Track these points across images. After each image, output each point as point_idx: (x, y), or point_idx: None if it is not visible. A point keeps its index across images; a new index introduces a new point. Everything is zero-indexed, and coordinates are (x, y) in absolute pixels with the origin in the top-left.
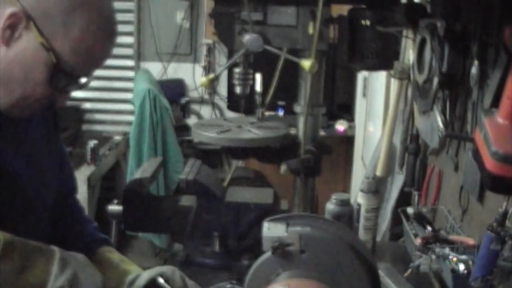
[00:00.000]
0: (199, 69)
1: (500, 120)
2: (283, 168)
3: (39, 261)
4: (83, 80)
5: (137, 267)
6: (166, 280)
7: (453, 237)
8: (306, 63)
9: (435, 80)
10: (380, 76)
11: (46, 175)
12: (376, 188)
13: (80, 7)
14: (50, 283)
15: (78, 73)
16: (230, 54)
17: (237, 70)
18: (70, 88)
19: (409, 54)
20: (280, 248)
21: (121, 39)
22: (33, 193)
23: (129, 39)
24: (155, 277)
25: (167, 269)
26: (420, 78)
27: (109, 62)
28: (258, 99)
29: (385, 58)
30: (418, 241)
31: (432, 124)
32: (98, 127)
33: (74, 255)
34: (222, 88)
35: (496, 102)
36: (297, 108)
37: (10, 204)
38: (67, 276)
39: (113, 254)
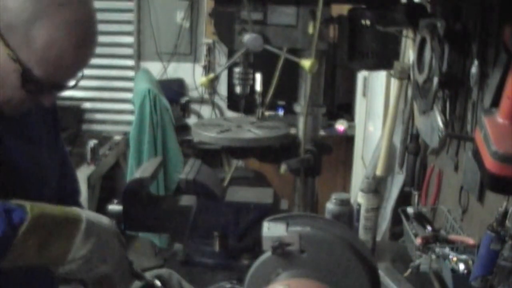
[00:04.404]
0: (199, 69)
1: (500, 120)
2: (283, 168)
3: (64, 233)
4: (71, 82)
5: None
6: (163, 283)
7: (453, 237)
8: (306, 63)
9: (435, 80)
10: (380, 76)
11: (46, 170)
12: (376, 188)
13: (42, 18)
14: (72, 253)
15: (50, 81)
16: (230, 54)
17: (237, 70)
18: (52, 91)
19: (409, 54)
20: (280, 248)
21: (121, 39)
22: (32, 186)
23: (129, 39)
24: (152, 279)
25: (164, 272)
26: (420, 78)
27: (109, 62)
28: (258, 99)
29: (385, 58)
30: (418, 241)
31: (432, 124)
32: (98, 127)
33: (100, 222)
34: (222, 88)
35: (496, 102)
36: (297, 108)
37: (9, 196)
38: (90, 246)
39: None
